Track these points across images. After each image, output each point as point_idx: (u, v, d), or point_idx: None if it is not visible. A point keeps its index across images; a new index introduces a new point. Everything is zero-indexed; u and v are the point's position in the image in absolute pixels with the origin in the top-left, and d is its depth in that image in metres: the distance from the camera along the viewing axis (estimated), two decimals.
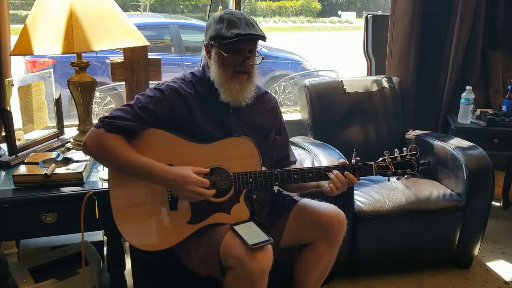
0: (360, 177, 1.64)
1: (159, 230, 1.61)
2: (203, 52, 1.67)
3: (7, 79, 1.92)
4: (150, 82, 2.27)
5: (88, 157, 1.86)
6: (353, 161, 1.64)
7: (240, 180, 1.60)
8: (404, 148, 1.67)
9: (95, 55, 4.27)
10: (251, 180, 1.60)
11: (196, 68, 1.74)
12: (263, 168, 1.64)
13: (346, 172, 1.61)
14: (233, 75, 1.59)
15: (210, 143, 1.61)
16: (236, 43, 1.55)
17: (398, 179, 1.66)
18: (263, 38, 1.58)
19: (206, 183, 1.52)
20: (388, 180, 1.66)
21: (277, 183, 1.63)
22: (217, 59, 1.59)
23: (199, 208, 1.60)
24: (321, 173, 1.63)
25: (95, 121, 2.16)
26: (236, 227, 1.56)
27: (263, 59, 1.63)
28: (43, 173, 1.69)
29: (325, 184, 1.65)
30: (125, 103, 1.62)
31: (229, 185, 1.61)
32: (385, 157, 1.65)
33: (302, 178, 1.63)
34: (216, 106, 1.64)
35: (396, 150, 1.66)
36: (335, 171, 1.61)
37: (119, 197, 1.59)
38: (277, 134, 1.79)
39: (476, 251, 2.34)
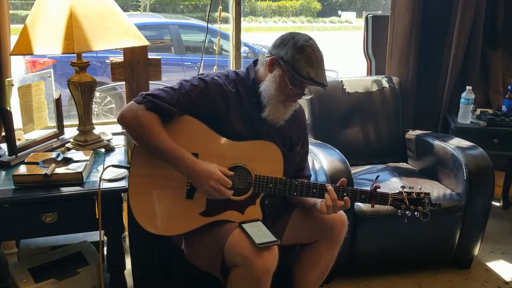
0: (374, 205, 1.64)
1: (170, 216, 1.61)
2: (263, 59, 1.64)
3: (7, 79, 1.92)
4: (150, 82, 2.27)
5: (88, 157, 1.86)
6: (372, 187, 1.63)
7: (260, 183, 1.61)
8: (419, 186, 1.68)
9: (95, 55, 4.27)
10: (271, 185, 1.61)
11: (239, 70, 1.73)
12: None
13: (345, 198, 1.59)
14: (284, 101, 1.60)
15: (239, 142, 1.62)
16: (304, 83, 1.56)
17: (408, 214, 1.65)
18: (326, 87, 1.59)
19: (228, 183, 1.53)
20: (398, 213, 1.66)
21: (295, 194, 1.63)
22: (278, 81, 1.57)
23: (214, 202, 1.60)
24: (339, 192, 1.61)
25: (95, 121, 2.18)
26: (244, 225, 1.57)
27: (312, 96, 1.64)
28: (43, 173, 1.69)
29: (318, 202, 1.63)
30: (169, 85, 1.61)
31: (246, 185, 1.61)
32: (402, 191, 1.65)
33: (320, 193, 1.61)
34: (252, 109, 1.64)
35: (411, 186, 1.68)
36: (330, 187, 1.59)
37: (138, 174, 1.60)
38: (301, 147, 1.79)
39: (476, 251, 2.34)
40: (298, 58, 1.53)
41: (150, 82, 2.27)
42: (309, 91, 1.67)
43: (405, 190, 1.65)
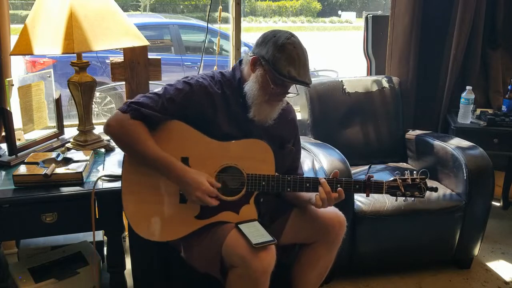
0: (370, 194, 1.63)
1: (165, 221, 1.61)
2: (246, 58, 1.63)
3: (7, 79, 1.92)
4: (150, 82, 2.27)
5: (88, 157, 1.86)
6: (366, 177, 1.63)
7: (253, 182, 1.60)
8: (415, 171, 1.67)
9: (95, 55, 4.27)
10: (263, 183, 1.60)
11: (226, 69, 1.72)
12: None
13: (339, 189, 1.59)
14: (269, 100, 1.59)
15: (228, 142, 1.61)
16: (285, 81, 1.54)
17: (405, 200, 1.65)
18: (309, 85, 1.57)
19: (213, 192, 1.54)
20: (396, 200, 1.66)
21: (288, 190, 1.62)
22: (260, 81, 1.56)
23: None
24: (333, 185, 1.61)
25: (95, 121, 2.18)
26: (240, 226, 1.56)
27: (297, 94, 1.64)
28: (43, 173, 1.69)
29: (313, 196, 1.63)
30: (153, 91, 1.60)
31: (239, 185, 1.61)
32: (397, 178, 1.65)
33: (313, 187, 1.61)
34: (239, 109, 1.63)
35: (406, 172, 1.67)
36: (323, 180, 1.59)
37: (131, 181, 1.59)
38: (292, 145, 1.79)
39: (476, 251, 2.34)
40: (278, 56, 1.50)
41: (150, 82, 2.27)
42: (295, 89, 1.65)
43: (400, 177, 1.65)
